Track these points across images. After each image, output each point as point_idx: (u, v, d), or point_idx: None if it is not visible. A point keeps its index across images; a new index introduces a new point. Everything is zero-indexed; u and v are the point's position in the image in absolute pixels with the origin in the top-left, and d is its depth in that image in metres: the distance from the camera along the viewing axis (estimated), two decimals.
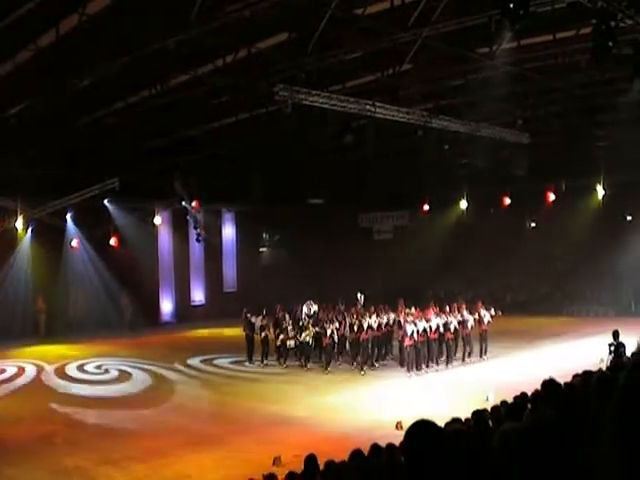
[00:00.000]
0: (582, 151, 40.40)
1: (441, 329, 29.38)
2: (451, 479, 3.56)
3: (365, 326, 29.31)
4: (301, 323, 31.57)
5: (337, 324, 30.39)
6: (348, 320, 30.59)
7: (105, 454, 18.70)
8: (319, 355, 30.85)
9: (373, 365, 29.69)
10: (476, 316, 30.62)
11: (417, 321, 28.45)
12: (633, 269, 43.48)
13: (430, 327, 28.86)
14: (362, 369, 29.02)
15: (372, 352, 30.20)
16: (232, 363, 32.18)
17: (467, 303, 32.27)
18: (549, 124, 36.09)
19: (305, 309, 34.47)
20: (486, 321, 30.72)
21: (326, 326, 29.96)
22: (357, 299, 37.08)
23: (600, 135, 37.99)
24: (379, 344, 30.72)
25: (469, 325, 30.41)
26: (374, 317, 30.03)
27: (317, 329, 30.38)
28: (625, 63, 20.75)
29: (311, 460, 11.39)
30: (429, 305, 30.98)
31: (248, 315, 32.56)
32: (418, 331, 28.29)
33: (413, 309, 30.02)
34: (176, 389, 27.28)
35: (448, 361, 29.95)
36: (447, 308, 30.48)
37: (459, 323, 30.08)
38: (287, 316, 32.26)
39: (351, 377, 28.22)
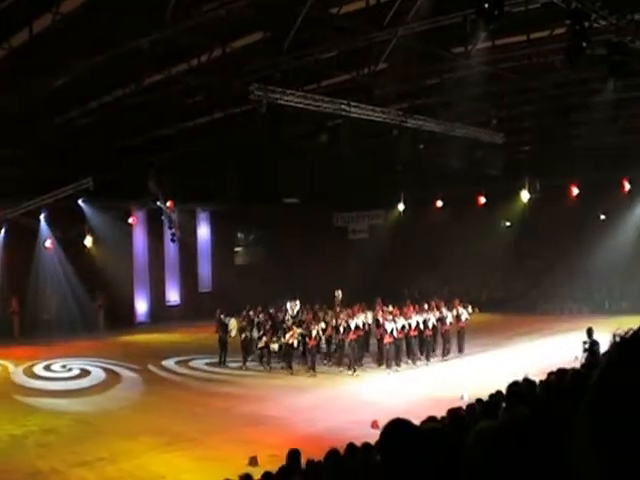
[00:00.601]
0: (556, 151, 40.62)
1: (420, 326, 29.64)
2: (427, 478, 3.55)
3: (353, 326, 29.05)
4: (285, 325, 30.92)
5: (323, 324, 29.90)
6: (333, 321, 30.12)
7: (78, 456, 18.60)
8: (304, 356, 30.15)
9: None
10: (454, 313, 30.81)
11: (397, 319, 28.60)
12: (607, 267, 43.83)
13: (409, 324, 29.03)
14: (354, 370, 28.59)
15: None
16: (207, 364, 31.99)
17: (445, 301, 32.39)
18: (523, 124, 36.27)
19: (289, 309, 34.08)
20: (464, 318, 30.95)
21: (311, 327, 29.42)
22: (335, 296, 36.96)
23: (574, 135, 38.18)
24: (360, 343, 30.53)
25: (447, 322, 30.58)
26: (362, 317, 29.87)
27: (302, 330, 29.67)
28: (599, 63, 20.88)
29: (294, 455, 11.36)
30: (406, 303, 31.11)
31: (222, 317, 32.08)
32: (397, 328, 28.44)
33: (391, 307, 30.12)
34: (150, 390, 27.19)
35: (427, 357, 30.20)
36: (425, 305, 30.66)
37: (437, 320, 30.25)
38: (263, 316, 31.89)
39: (327, 377, 28.19)
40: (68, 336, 39.21)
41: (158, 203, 43.16)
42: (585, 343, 20.80)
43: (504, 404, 9.71)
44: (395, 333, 28.45)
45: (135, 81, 27.06)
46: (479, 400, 12.11)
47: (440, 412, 10.83)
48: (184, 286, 50.95)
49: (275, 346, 30.28)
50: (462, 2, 19.61)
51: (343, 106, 27.72)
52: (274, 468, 11.39)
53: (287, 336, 29.74)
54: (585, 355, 19.86)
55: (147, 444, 19.60)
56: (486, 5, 16.05)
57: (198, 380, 29.09)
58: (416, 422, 4.30)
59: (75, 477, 17.21)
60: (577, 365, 14.29)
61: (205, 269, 52.64)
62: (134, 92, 27.79)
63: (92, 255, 43.09)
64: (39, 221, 41.87)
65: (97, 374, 30.36)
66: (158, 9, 19.49)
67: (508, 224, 51.43)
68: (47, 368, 32.00)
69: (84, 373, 30.64)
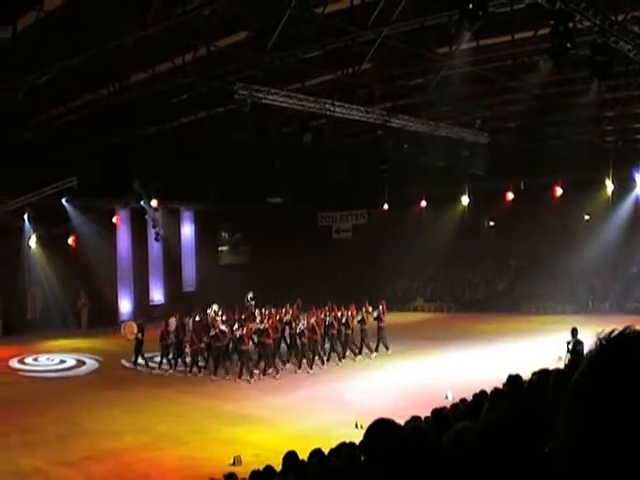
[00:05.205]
0: (540, 151, 40.76)
1: (335, 325, 31.01)
2: (411, 477, 3.57)
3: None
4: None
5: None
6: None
7: (62, 455, 18.50)
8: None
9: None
10: (365, 314, 32.13)
11: (311, 319, 30.20)
12: (590, 267, 43.95)
13: (326, 323, 30.88)
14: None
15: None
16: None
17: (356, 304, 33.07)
18: (508, 124, 36.34)
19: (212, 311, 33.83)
20: (374, 318, 32.31)
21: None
22: (247, 300, 36.99)
23: (558, 135, 38.29)
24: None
25: (354, 323, 31.81)
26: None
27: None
28: (583, 64, 20.96)
29: (291, 456, 11.22)
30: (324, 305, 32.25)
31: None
32: (310, 328, 29.81)
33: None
34: (133, 388, 27.08)
35: (353, 354, 31.65)
36: (335, 307, 31.81)
37: (346, 322, 31.45)
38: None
39: (306, 377, 28.17)
40: (51, 334, 39.08)
41: (142, 202, 43.09)
42: (569, 343, 20.84)
43: (487, 404, 9.73)
44: (307, 332, 29.58)
45: (119, 80, 26.98)
46: (463, 400, 12.14)
47: (424, 412, 10.85)
48: (168, 285, 50.83)
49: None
50: (446, 2, 19.64)
51: (327, 105, 27.73)
52: (258, 467, 11.37)
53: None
54: (569, 355, 19.97)
55: (131, 443, 19.56)
56: (470, 5, 16.09)
57: (177, 379, 28.98)
58: (400, 422, 4.31)
59: (59, 476, 17.15)
60: (561, 365, 14.35)
61: (189, 268, 52.54)
62: (118, 91, 27.69)
63: (76, 254, 43.01)
64: (23, 220, 41.78)
65: (79, 370, 30.44)
66: (142, 8, 19.43)
67: (492, 224, 51.57)
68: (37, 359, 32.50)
69: (65, 368, 30.81)
